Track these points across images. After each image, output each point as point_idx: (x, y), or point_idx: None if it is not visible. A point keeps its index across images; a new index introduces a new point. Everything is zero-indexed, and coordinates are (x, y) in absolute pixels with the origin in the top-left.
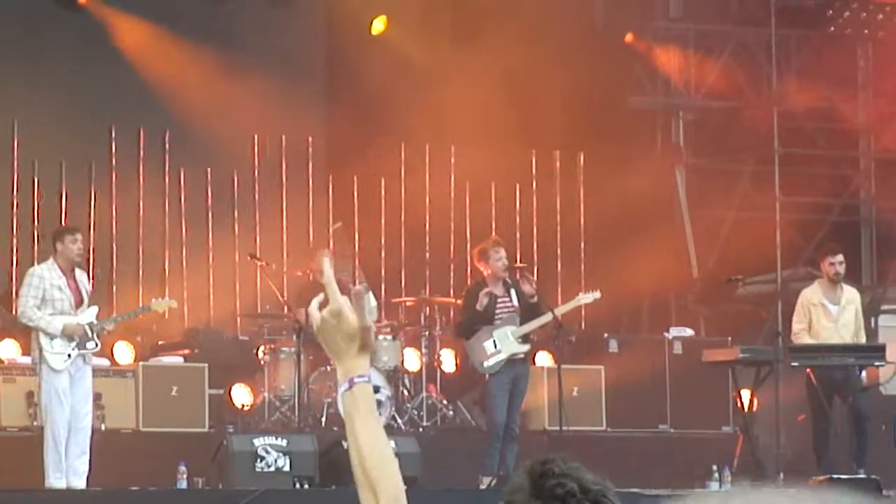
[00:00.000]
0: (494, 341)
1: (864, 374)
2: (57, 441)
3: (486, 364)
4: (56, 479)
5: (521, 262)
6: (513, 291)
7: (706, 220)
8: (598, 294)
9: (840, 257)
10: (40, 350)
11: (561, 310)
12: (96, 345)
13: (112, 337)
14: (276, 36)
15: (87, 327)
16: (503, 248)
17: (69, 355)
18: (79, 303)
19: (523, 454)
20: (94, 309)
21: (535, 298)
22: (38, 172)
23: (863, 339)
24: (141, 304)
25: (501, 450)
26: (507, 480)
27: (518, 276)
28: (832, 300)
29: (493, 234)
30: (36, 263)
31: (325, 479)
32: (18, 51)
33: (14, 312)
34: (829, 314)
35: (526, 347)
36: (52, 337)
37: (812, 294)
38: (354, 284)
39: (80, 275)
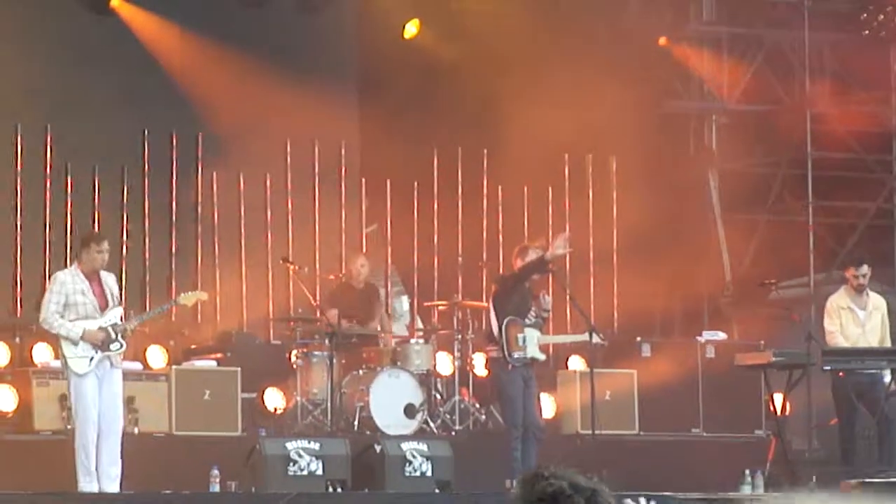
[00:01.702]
0: (525, 338)
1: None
2: (85, 445)
3: (514, 355)
4: (86, 483)
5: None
6: (535, 302)
7: (739, 223)
8: (604, 340)
9: (865, 269)
10: (64, 356)
11: (558, 339)
12: (121, 346)
13: (145, 341)
14: (309, 40)
15: (109, 329)
16: (543, 252)
17: (92, 358)
18: (104, 306)
19: (557, 458)
20: (119, 310)
21: (546, 315)
22: (72, 176)
23: (889, 345)
24: (155, 305)
25: (525, 450)
26: None
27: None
28: (860, 306)
29: (526, 238)
30: (67, 267)
31: (358, 482)
32: (51, 55)
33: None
34: (857, 319)
35: (544, 357)
36: (74, 342)
37: (840, 299)
38: (387, 288)
39: (107, 277)
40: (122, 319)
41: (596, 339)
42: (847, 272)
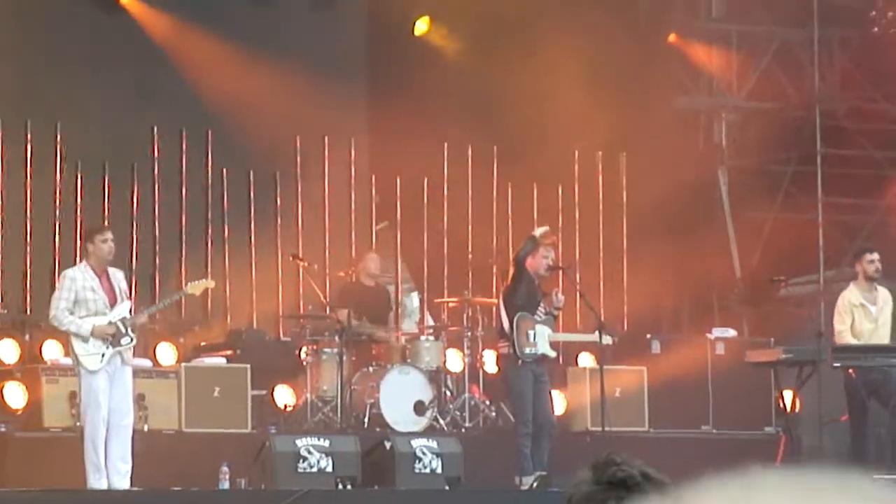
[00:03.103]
0: (536, 333)
1: None
2: (95, 442)
3: (525, 350)
4: (96, 480)
5: (562, 262)
6: (545, 299)
7: (749, 220)
8: (612, 341)
9: (876, 255)
10: (74, 353)
11: (568, 337)
12: (131, 340)
13: (155, 338)
14: (319, 36)
15: (119, 324)
16: (553, 250)
17: (103, 355)
18: (113, 302)
19: (567, 455)
20: (127, 304)
21: (558, 313)
22: (82, 173)
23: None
24: (165, 296)
25: (537, 446)
26: (548, 479)
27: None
28: (871, 301)
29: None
30: (77, 264)
31: (368, 479)
32: (60, 52)
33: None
34: (869, 315)
35: (554, 353)
36: (84, 339)
37: (851, 295)
38: (398, 284)
39: (115, 273)
40: (131, 313)
41: (606, 339)
42: (859, 261)
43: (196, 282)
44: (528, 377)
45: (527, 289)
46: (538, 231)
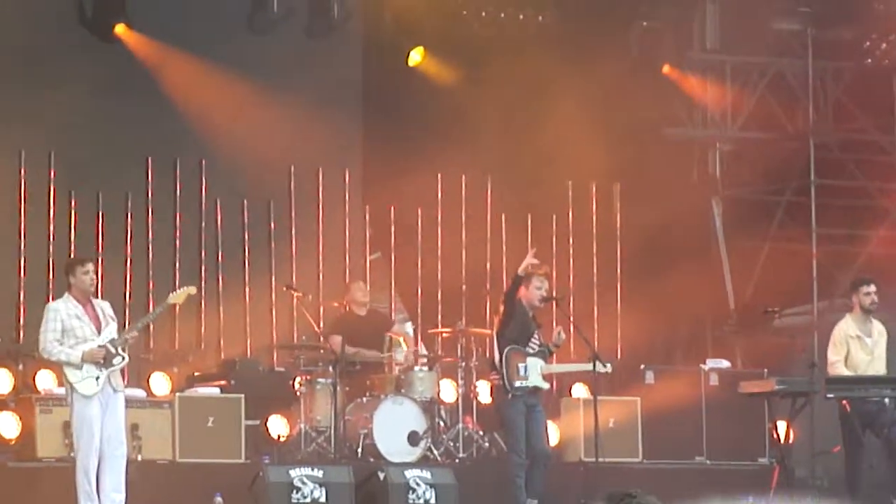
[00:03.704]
0: (526, 367)
1: None
2: (87, 470)
3: (515, 384)
4: None
5: (556, 293)
6: (539, 329)
7: (742, 251)
8: (609, 369)
9: (874, 287)
10: (69, 382)
11: (562, 368)
12: (123, 359)
13: (148, 368)
14: (313, 66)
15: (109, 346)
16: (547, 281)
17: (98, 378)
18: (100, 328)
19: (560, 485)
20: (114, 326)
21: (555, 350)
22: (75, 202)
23: (893, 373)
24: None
25: (532, 477)
26: None
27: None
28: (866, 333)
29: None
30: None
31: None
32: (54, 81)
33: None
34: (865, 346)
35: (547, 385)
36: (76, 367)
37: (847, 327)
38: (392, 315)
39: (99, 303)
40: (118, 333)
41: (601, 367)
42: (856, 293)
43: (177, 291)
44: (519, 409)
45: (519, 322)
46: (522, 266)
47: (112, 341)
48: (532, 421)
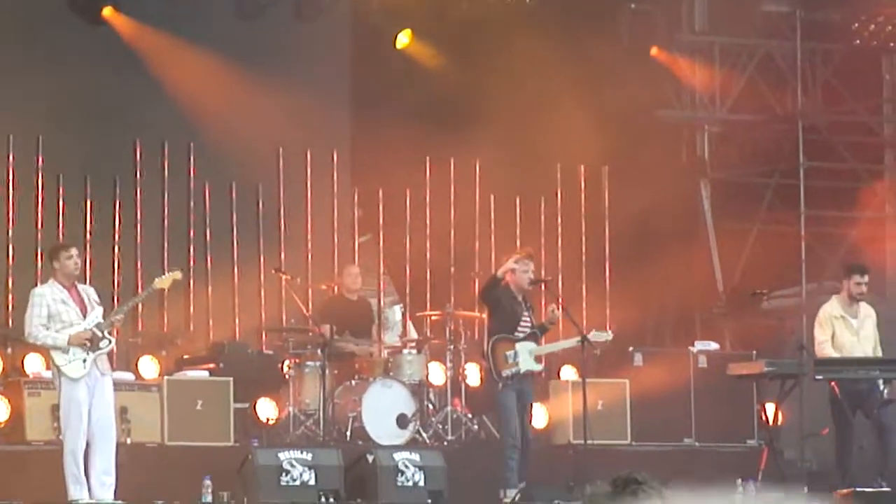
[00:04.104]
0: (516, 352)
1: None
2: (75, 453)
3: (504, 373)
4: (76, 491)
5: (545, 275)
6: (530, 307)
7: (731, 233)
8: (609, 335)
9: (867, 278)
10: (56, 366)
11: (556, 346)
12: (110, 342)
13: (137, 351)
14: (301, 49)
15: (95, 329)
16: (532, 262)
17: (84, 360)
18: (85, 312)
19: (549, 468)
20: (100, 310)
21: (549, 328)
22: (63, 186)
23: (880, 353)
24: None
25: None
26: (528, 491)
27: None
28: (851, 314)
29: (518, 247)
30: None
31: (351, 493)
32: (42, 65)
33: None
34: (850, 327)
35: (540, 367)
36: (63, 350)
37: (832, 308)
38: (380, 298)
39: (85, 288)
40: (104, 317)
41: (598, 335)
42: (848, 280)
43: (163, 276)
44: (510, 394)
45: (506, 311)
46: (501, 270)
47: (98, 325)
48: (519, 407)
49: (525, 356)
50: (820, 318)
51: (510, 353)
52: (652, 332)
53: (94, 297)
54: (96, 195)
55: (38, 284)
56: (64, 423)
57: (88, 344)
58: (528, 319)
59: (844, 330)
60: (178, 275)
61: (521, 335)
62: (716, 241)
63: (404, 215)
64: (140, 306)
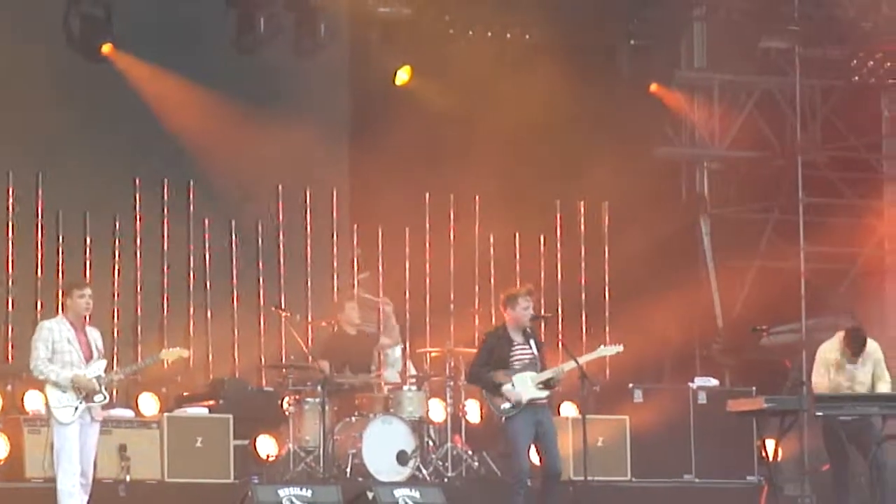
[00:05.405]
0: (513, 384)
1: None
2: (69, 492)
3: (503, 406)
4: None
5: (545, 312)
6: (532, 341)
7: (731, 269)
8: (620, 347)
9: (867, 349)
10: (48, 404)
11: (582, 359)
12: (104, 398)
13: (137, 388)
14: (301, 86)
15: (95, 381)
16: (532, 298)
17: (76, 408)
18: (88, 357)
19: None
20: (103, 363)
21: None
22: (63, 224)
23: (885, 389)
24: (142, 358)
25: (543, 495)
26: None
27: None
28: (849, 357)
29: (518, 284)
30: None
31: None
32: (42, 102)
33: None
34: (844, 371)
35: (545, 394)
36: (62, 390)
37: (830, 352)
38: (379, 334)
39: (92, 331)
40: (105, 372)
41: (608, 350)
42: (852, 343)
43: (171, 349)
44: (518, 428)
45: (494, 355)
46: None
47: (98, 378)
48: (542, 437)
49: (524, 386)
50: (817, 361)
51: (507, 386)
52: (651, 369)
53: (100, 344)
54: (96, 232)
55: (37, 319)
56: (56, 461)
57: (85, 394)
58: (525, 349)
59: (836, 374)
60: (184, 352)
61: (517, 367)
62: (715, 277)
63: (404, 252)
64: (139, 341)
